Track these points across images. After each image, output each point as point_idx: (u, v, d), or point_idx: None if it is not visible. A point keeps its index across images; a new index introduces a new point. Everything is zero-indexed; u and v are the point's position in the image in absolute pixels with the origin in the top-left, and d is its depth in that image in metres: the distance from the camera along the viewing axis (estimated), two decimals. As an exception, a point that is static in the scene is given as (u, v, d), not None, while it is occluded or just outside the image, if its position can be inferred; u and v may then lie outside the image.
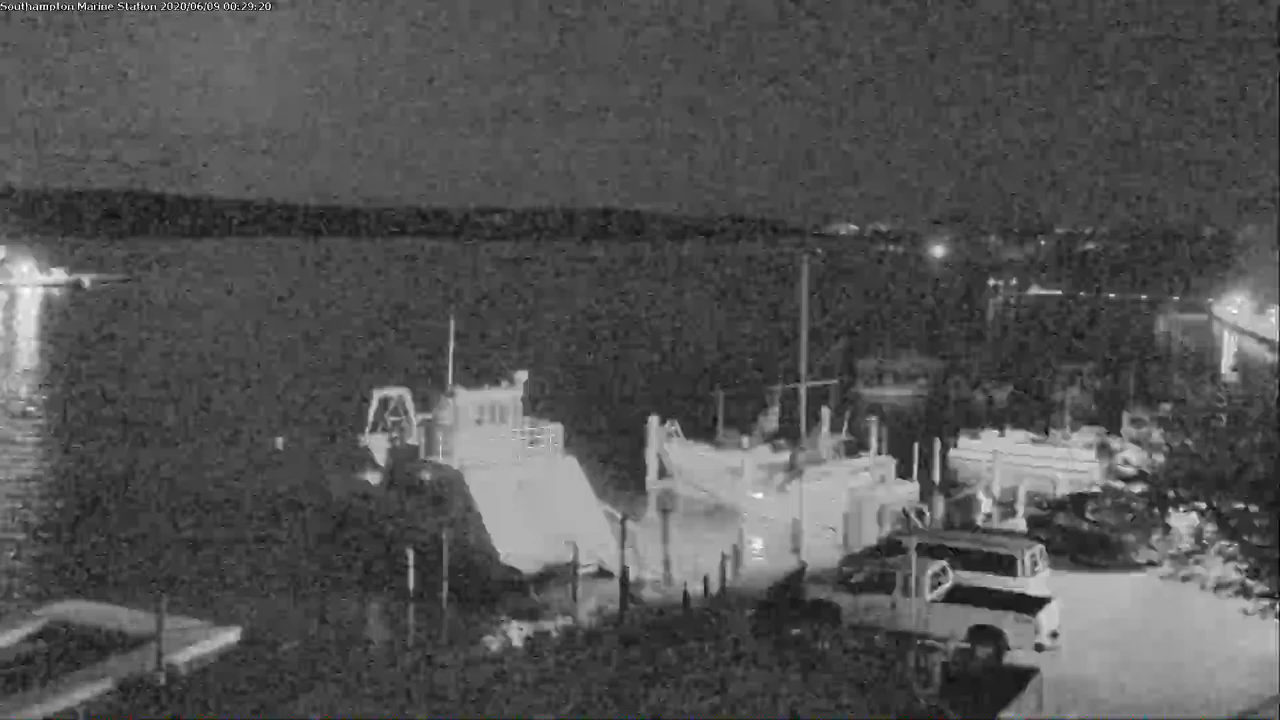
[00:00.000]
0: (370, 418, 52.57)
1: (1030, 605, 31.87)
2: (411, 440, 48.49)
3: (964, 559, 34.83)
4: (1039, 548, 36.25)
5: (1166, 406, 31.21)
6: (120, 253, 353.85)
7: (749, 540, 42.55)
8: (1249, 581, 27.57)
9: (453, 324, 51.63)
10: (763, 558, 42.33)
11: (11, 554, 44.04)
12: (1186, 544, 28.98)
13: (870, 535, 43.04)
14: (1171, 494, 28.49)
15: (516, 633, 34.75)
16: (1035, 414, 73.48)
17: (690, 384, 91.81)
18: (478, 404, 45.11)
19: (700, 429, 59.60)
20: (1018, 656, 30.45)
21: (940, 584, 32.72)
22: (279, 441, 56.25)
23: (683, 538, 45.79)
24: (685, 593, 36.40)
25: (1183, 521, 29.51)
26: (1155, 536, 30.02)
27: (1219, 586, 28.01)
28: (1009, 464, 55.84)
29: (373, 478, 49.51)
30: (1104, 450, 55.22)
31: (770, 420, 56.93)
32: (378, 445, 50.81)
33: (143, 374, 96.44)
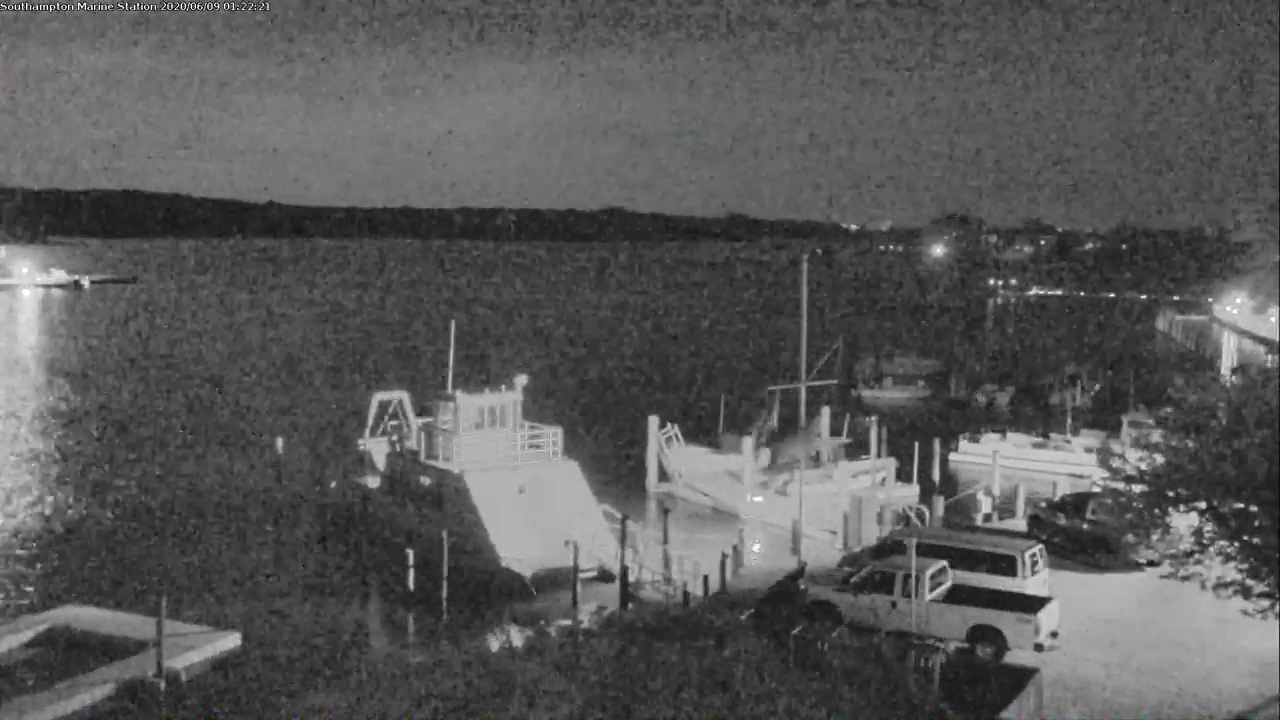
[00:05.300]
0: (370, 421, 52.58)
1: (1030, 605, 31.90)
2: (411, 444, 48.49)
3: (964, 559, 34.86)
4: (1039, 548, 36.27)
5: (1167, 408, 31.19)
6: (120, 253, 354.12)
7: (748, 542, 42.55)
8: (1249, 581, 27.56)
9: (453, 327, 51.68)
10: (761, 560, 42.32)
11: (12, 559, 44.05)
12: (1186, 544, 28.97)
13: (870, 535, 43.05)
14: (1171, 494, 28.47)
15: (517, 634, 34.74)
16: (1036, 417, 73.55)
17: (690, 386, 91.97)
18: (478, 407, 45.10)
19: (701, 431, 59.60)
20: (1018, 656, 30.47)
21: (940, 584, 32.74)
22: (279, 444, 56.27)
23: (683, 538, 45.81)
24: (685, 593, 36.46)
25: (1183, 521, 29.51)
26: (1155, 536, 30.00)
27: (1219, 586, 28.00)
28: (1009, 466, 55.85)
29: (372, 481, 49.51)
30: (1104, 455, 55.35)
31: (771, 420, 56.89)
32: (378, 449, 50.80)
33: (142, 376, 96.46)
